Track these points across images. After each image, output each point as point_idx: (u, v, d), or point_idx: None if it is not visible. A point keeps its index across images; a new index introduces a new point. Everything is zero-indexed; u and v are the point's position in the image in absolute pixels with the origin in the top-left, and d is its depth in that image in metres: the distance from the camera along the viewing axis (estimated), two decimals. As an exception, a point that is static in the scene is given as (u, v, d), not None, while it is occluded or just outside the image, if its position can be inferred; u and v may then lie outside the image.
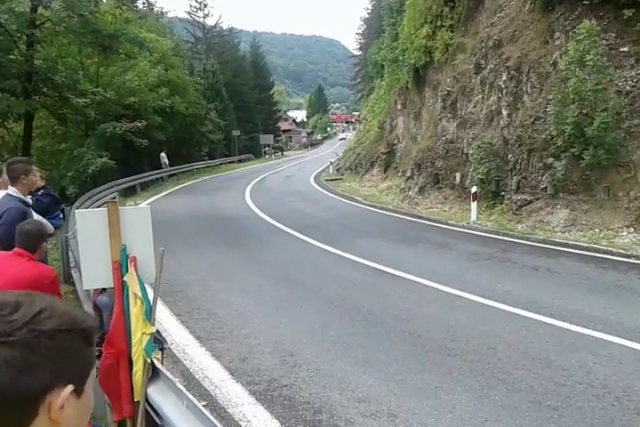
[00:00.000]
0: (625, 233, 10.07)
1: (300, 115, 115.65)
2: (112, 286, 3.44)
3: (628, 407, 3.90)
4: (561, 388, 4.23)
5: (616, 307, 6.24)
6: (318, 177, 30.67)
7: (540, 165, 12.46)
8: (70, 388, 0.83)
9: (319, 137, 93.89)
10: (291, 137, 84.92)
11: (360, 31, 71.34)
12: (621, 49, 11.66)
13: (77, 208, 10.76)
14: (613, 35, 11.83)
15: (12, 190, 3.99)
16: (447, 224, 13.25)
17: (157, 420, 3.18)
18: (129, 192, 21.66)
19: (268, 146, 56.55)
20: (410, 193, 17.85)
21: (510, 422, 3.73)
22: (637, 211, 10.40)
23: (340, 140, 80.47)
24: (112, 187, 19.30)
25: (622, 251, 9.08)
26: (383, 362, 4.80)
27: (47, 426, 0.81)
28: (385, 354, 4.98)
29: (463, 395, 4.14)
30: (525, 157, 12.99)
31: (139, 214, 3.54)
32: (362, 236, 11.76)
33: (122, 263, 3.36)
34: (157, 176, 26.96)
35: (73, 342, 0.84)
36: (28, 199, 4.25)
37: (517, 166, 13.20)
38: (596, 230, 10.53)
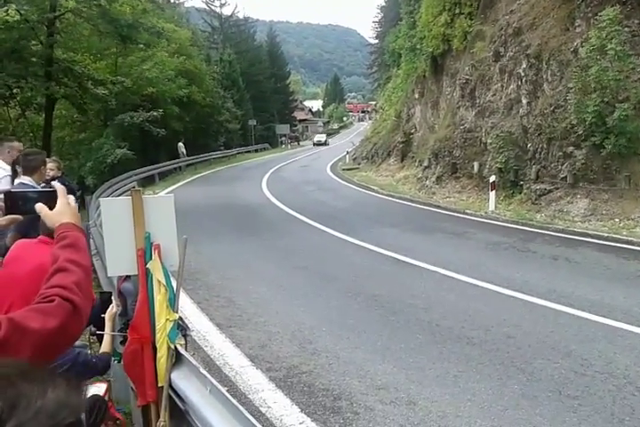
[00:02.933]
0: (646, 223, 9.94)
1: (317, 104, 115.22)
2: (136, 273, 3.49)
3: (648, 397, 3.88)
4: (581, 377, 4.22)
5: (637, 297, 6.18)
6: (335, 167, 30.64)
7: (560, 154, 12.32)
8: None
9: (335, 126, 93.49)
10: (307, 127, 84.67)
11: (376, 19, 70.72)
12: (645, 36, 11.43)
13: (98, 197, 10.89)
14: (637, 21, 11.58)
15: (26, 180, 4.06)
16: (465, 214, 13.19)
17: (181, 405, 3.23)
18: (147, 182, 21.85)
19: (285, 136, 56.51)
20: (427, 182, 17.77)
21: (530, 411, 3.74)
22: (659, 201, 10.26)
23: (316, 144, 57.76)
24: (131, 176, 19.48)
25: (643, 241, 8.98)
26: (402, 350, 4.82)
27: None
28: (403, 342, 5.00)
29: (482, 384, 4.15)
30: (545, 146, 12.85)
31: (162, 203, 3.58)
32: (379, 225, 11.75)
33: (146, 251, 3.41)
34: (175, 166, 27.14)
35: None
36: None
37: (537, 155, 13.07)
38: (617, 220, 10.40)
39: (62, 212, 1.54)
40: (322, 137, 62.20)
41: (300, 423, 3.61)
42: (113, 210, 3.53)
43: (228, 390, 3.99)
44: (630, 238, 9.22)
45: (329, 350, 4.84)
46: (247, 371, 4.41)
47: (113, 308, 3.37)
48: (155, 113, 23.31)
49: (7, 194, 1.74)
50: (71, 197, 1.62)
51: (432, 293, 6.64)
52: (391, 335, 5.19)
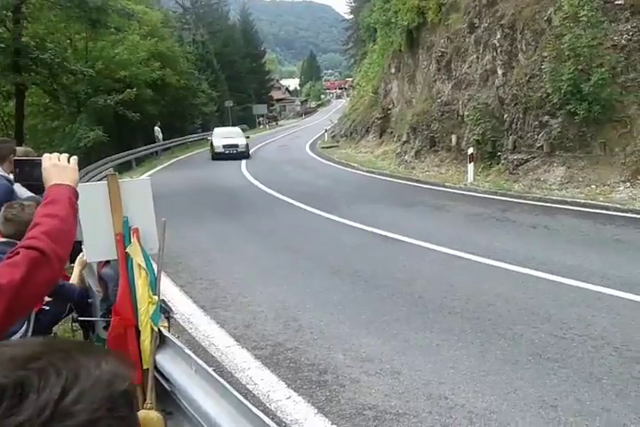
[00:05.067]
0: (621, 188, 10.11)
1: (293, 83, 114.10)
2: (116, 258, 3.48)
3: (626, 357, 3.99)
4: (560, 341, 4.32)
5: (614, 261, 6.32)
6: (314, 145, 30.52)
7: (536, 123, 12.40)
8: None
9: (313, 105, 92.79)
10: (284, 106, 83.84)
11: (351, -6, 69.63)
12: (616, 2, 11.42)
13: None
14: (608, -12, 11.55)
15: None
16: (444, 187, 13.28)
17: (167, 386, 3.26)
18: (124, 167, 21.53)
19: (262, 116, 55.98)
20: (406, 157, 17.80)
21: (511, 375, 3.83)
22: (633, 166, 10.41)
23: (222, 155, 23.58)
24: (107, 163, 19.20)
25: (619, 206, 9.16)
26: (386, 323, 4.89)
27: None
28: (387, 315, 5.07)
29: (464, 351, 4.23)
30: (521, 116, 12.91)
31: (139, 186, 3.55)
32: (360, 201, 11.78)
33: (124, 235, 3.39)
34: (152, 151, 26.80)
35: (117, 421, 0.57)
36: (11, 177, 4.28)
37: (513, 126, 13.14)
38: (593, 186, 10.56)
39: (48, 176, 1.61)
40: (232, 135, 25.24)
41: (287, 398, 3.67)
42: (89, 195, 3.48)
43: (213, 370, 4.03)
44: (607, 204, 9.39)
45: (313, 327, 4.89)
46: (233, 350, 4.44)
47: (83, 256, 3.50)
48: (129, 91, 22.87)
49: (16, 162, 1.98)
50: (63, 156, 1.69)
51: (414, 266, 6.71)
52: (375, 309, 5.25)
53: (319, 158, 23.42)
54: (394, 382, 3.85)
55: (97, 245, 3.49)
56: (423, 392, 3.69)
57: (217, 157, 23.79)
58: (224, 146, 23.91)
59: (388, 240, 8.05)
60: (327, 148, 27.71)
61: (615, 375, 3.74)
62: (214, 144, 24.35)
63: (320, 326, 4.89)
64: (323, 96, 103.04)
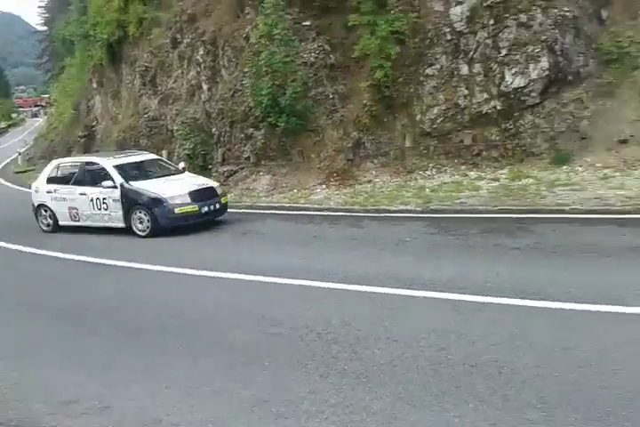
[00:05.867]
0: (318, 190, 11.32)
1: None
2: None
3: (326, 339, 4.31)
4: (271, 337, 4.47)
5: (313, 255, 6.95)
6: (5, 170, 27.14)
7: (242, 135, 13.04)
8: None
9: (3, 125, 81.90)
10: (-35, 128, 71.96)
11: (43, 4, 64.12)
12: (304, 23, 12.59)
13: None
14: (297, 9, 12.64)
15: None
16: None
17: None
18: None
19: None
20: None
21: (225, 380, 3.80)
22: (327, 169, 11.72)
23: None
24: None
25: (317, 206, 10.23)
26: (93, 358, 4.43)
27: None
28: (96, 349, 4.60)
29: (180, 368, 4.06)
30: (228, 129, 13.43)
31: None
32: (64, 229, 10.69)
33: None
34: None
35: None
36: None
37: (222, 139, 13.59)
38: (295, 191, 11.57)
39: None
40: (178, 173, 10.50)
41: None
42: None
43: None
44: (307, 205, 10.41)
45: (4, 379, 4.16)
46: None
47: None
48: None
49: None
50: None
51: (125, 289, 6.34)
52: (81, 345, 4.74)
53: (13, 185, 20.79)
54: (103, 418, 3.48)
55: None
56: (137, 421, 3.42)
57: (174, 225, 9.19)
58: (192, 194, 9.47)
59: (95, 266, 7.47)
60: (22, 172, 24.88)
61: (318, 359, 4.00)
62: (165, 195, 9.33)
63: (13, 377, 4.19)
64: (15, 115, 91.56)
